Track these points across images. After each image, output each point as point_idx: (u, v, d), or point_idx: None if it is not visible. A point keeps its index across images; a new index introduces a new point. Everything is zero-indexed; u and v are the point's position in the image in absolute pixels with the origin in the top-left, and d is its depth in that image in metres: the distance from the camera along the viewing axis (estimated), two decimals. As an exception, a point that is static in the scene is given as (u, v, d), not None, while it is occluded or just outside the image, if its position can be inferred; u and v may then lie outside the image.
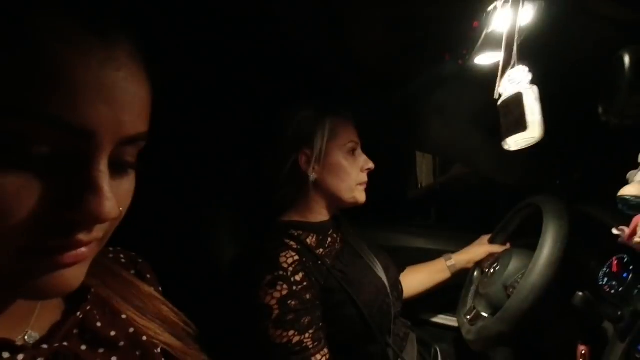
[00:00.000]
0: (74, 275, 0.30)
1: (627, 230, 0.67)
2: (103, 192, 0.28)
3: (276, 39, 0.79)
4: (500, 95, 0.64)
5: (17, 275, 0.28)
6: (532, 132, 0.59)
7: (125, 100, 0.29)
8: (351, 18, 0.67)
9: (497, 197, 1.31)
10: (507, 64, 0.55)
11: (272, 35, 0.77)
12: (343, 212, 1.00)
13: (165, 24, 0.66)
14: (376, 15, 0.65)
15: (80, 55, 0.26)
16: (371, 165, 0.92)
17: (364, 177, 0.91)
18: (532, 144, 0.64)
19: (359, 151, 0.92)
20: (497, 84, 0.60)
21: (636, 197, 0.67)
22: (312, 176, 0.86)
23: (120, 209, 0.31)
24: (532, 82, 0.61)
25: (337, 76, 0.92)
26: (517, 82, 0.58)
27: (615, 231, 0.72)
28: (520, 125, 0.59)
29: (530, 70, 0.61)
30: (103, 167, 0.28)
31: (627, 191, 0.70)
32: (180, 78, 0.87)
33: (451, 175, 1.49)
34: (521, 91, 0.58)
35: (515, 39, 0.55)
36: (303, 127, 0.86)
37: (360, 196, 0.91)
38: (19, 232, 0.26)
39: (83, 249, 0.29)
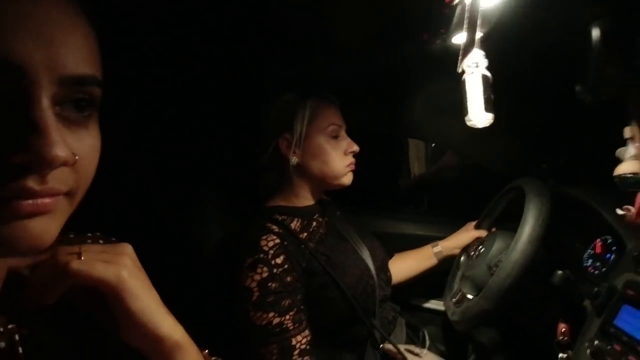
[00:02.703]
0: (40, 228, 0.30)
1: (632, 210, 0.65)
2: (47, 131, 0.28)
3: (259, 21, 0.79)
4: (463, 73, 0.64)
5: None
6: (473, 117, 0.61)
7: (59, 37, 0.29)
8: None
9: (487, 185, 1.31)
10: (469, 43, 0.55)
11: (254, 17, 0.77)
12: (332, 196, 1.00)
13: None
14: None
15: None
16: (355, 147, 0.91)
17: (349, 159, 0.91)
18: (490, 123, 0.65)
19: (342, 134, 0.91)
20: (458, 63, 0.60)
21: (634, 173, 0.66)
22: (293, 160, 0.86)
23: (77, 158, 0.31)
24: (506, 64, 0.62)
25: (316, 56, 0.92)
26: (469, 65, 0.59)
27: (619, 211, 0.69)
28: (465, 109, 0.60)
29: (506, 52, 0.61)
30: (44, 105, 0.28)
31: (623, 169, 0.68)
32: (163, 65, 0.88)
33: (441, 163, 1.49)
34: (465, 77, 0.59)
35: (478, 18, 0.54)
36: (283, 112, 0.86)
37: (346, 178, 0.91)
38: None
39: (44, 200, 0.29)
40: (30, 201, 0.28)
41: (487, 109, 0.59)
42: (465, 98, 0.60)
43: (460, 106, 0.64)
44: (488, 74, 0.59)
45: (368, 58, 0.91)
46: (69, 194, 0.32)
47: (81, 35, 0.31)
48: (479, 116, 0.60)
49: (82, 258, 0.37)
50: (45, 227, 0.30)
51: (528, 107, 1.01)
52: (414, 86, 1.04)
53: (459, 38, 0.73)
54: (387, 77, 1.03)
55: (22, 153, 0.27)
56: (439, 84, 1.01)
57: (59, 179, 0.30)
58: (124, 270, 0.38)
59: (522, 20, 0.66)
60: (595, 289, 0.70)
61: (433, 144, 1.57)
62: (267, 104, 0.88)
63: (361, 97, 1.11)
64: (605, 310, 0.68)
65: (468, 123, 0.63)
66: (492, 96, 0.60)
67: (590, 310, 0.73)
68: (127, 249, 0.41)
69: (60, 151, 0.28)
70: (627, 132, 0.63)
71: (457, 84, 0.66)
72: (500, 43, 0.62)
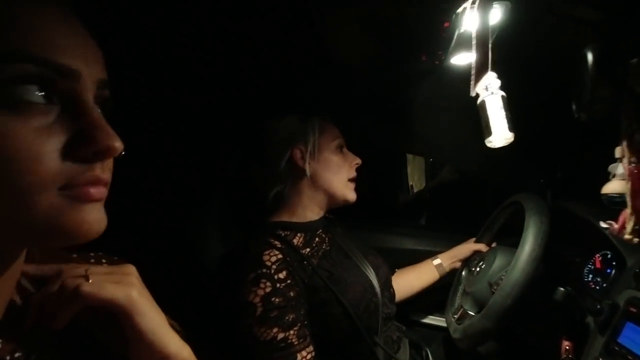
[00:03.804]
0: (100, 214, 0.34)
1: (615, 225, 0.68)
2: (105, 125, 0.33)
3: (259, 41, 0.81)
4: (478, 95, 0.66)
5: (57, 217, 0.31)
6: (495, 138, 0.62)
7: (87, 47, 0.34)
8: (328, 18, 0.69)
9: (486, 200, 1.32)
10: (481, 65, 0.57)
11: (256, 36, 0.79)
12: (334, 212, 1.01)
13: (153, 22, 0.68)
14: (351, 15, 0.67)
15: (45, 15, 0.32)
16: (358, 160, 0.96)
17: (353, 172, 0.95)
18: (509, 143, 0.67)
19: (345, 148, 0.96)
20: (471, 85, 0.62)
21: (620, 194, 0.69)
22: (308, 171, 0.89)
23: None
24: (506, 84, 0.64)
25: (314, 75, 0.95)
26: (484, 88, 0.61)
27: (603, 224, 0.73)
28: (487, 129, 0.62)
29: (504, 72, 0.63)
30: (95, 106, 0.34)
31: (610, 188, 0.72)
32: (172, 78, 0.89)
33: (440, 178, 1.51)
34: (484, 99, 0.61)
35: (490, 40, 0.57)
36: (294, 125, 0.90)
37: (351, 194, 0.94)
38: (55, 172, 0.30)
39: (103, 188, 0.34)
40: (96, 188, 0.33)
41: (510, 128, 0.62)
42: (486, 120, 0.62)
43: (457, 122, 0.65)
44: (503, 93, 0.61)
45: (367, 76, 0.93)
46: (107, 184, 0.36)
47: (99, 50, 0.37)
48: (501, 137, 0.62)
49: (91, 280, 0.38)
50: (101, 214, 0.34)
51: (525, 122, 1.02)
52: (413, 102, 1.06)
53: (458, 59, 0.75)
54: (386, 94, 1.05)
55: (90, 145, 0.32)
56: (438, 100, 1.03)
57: (109, 169, 0.35)
58: (133, 290, 0.39)
59: (520, 41, 0.68)
60: (598, 305, 0.71)
61: (431, 159, 1.59)
62: (275, 120, 0.91)
63: (361, 113, 1.12)
64: (608, 327, 0.68)
65: (488, 144, 0.65)
66: (509, 115, 0.62)
67: (593, 327, 0.73)
68: (132, 269, 0.42)
69: (118, 142, 0.33)
70: (618, 151, 0.65)
71: (456, 101, 0.68)
72: (498, 62, 0.64)
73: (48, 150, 0.30)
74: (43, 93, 0.30)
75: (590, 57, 0.54)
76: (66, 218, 0.31)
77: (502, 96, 0.64)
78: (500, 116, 0.63)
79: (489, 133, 0.64)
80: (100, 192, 0.34)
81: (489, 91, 0.63)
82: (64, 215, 0.31)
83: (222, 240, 0.98)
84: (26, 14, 0.30)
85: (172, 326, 0.46)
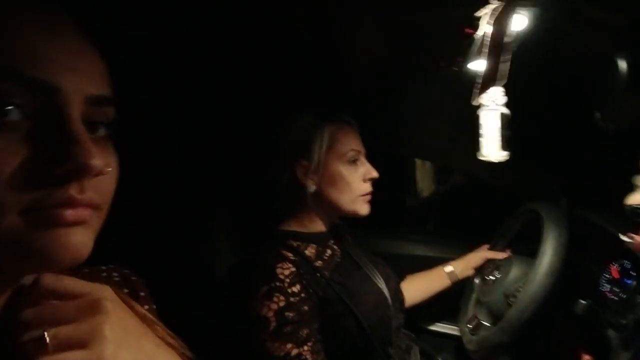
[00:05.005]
0: (79, 239, 0.31)
1: (637, 238, 0.65)
2: (84, 141, 0.30)
3: (274, 43, 0.79)
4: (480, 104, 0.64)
5: (23, 241, 0.29)
6: (487, 153, 0.60)
7: (82, 64, 0.32)
8: (346, 23, 0.67)
9: (497, 205, 1.30)
10: (489, 76, 0.54)
11: (271, 39, 0.77)
12: (343, 220, 0.98)
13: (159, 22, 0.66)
14: (369, 19, 0.65)
15: (33, 25, 0.30)
16: (374, 174, 0.87)
17: (367, 188, 0.87)
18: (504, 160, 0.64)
19: (361, 160, 0.87)
20: (474, 94, 0.60)
21: None
22: (311, 188, 0.84)
23: (109, 169, 0.33)
24: (525, 91, 0.61)
25: (333, 82, 0.92)
26: (488, 100, 0.58)
27: (623, 237, 0.70)
28: (481, 143, 0.60)
29: (522, 75, 0.61)
30: (78, 121, 0.31)
31: (635, 200, 0.69)
32: (180, 86, 0.88)
33: (450, 184, 1.49)
34: (482, 112, 0.59)
35: (507, 48, 0.54)
36: (301, 137, 0.84)
37: (362, 208, 0.87)
38: (17, 192, 0.28)
39: (82, 210, 0.31)
40: (71, 210, 0.30)
41: (504, 147, 0.59)
42: (480, 133, 0.60)
43: (468, 125, 0.63)
44: (507, 111, 0.58)
45: (379, 79, 0.90)
46: (98, 208, 0.33)
47: (97, 61, 0.35)
48: (493, 153, 0.60)
49: (49, 343, 0.29)
50: (84, 239, 0.31)
51: (540, 127, 1.00)
52: (424, 106, 1.04)
53: (475, 65, 0.73)
54: (399, 98, 1.03)
55: (64, 163, 0.29)
56: (449, 104, 1.01)
57: (94, 189, 0.32)
58: (105, 348, 0.30)
59: (540, 45, 0.65)
60: (623, 321, 0.68)
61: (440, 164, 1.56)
62: (284, 127, 0.86)
63: (372, 116, 1.10)
64: (632, 343, 0.66)
65: (481, 158, 0.63)
66: (508, 134, 0.59)
67: (615, 342, 0.71)
68: (103, 305, 0.32)
69: (97, 160, 0.30)
70: None
71: (467, 106, 0.66)
72: (516, 65, 0.62)
73: (8, 169, 0.28)
74: (10, 107, 0.28)
75: (621, 64, 0.52)
76: (34, 242, 0.29)
77: (503, 114, 0.61)
78: (495, 133, 0.61)
79: (480, 147, 0.62)
80: (78, 214, 0.31)
81: (492, 105, 0.61)
82: (30, 239, 0.29)
83: (231, 248, 0.95)
84: (2, 23, 0.29)
85: (168, 343, 0.42)
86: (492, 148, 0.60)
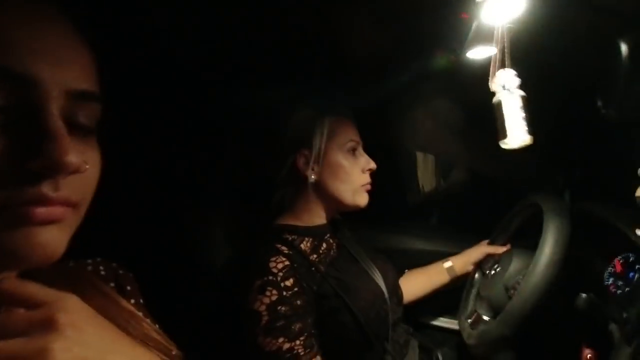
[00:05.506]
0: (52, 237, 0.30)
1: None
2: (60, 137, 0.29)
3: (270, 35, 0.77)
4: (494, 93, 0.62)
5: None
6: (511, 140, 0.58)
7: (65, 57, 0.31)
8: (340, 12, 0.65)
9: (499, 200, 1.28)
10: (499, 61, 0.53)
11: (266, 30, 0.76)
12: (345, 215, 0.97)
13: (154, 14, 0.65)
14: (364, 7, 0.64)
15: (14, 16, 0.29)
16: (373, 165, 0.88)
17: (366, 178, 0.87)
18: (527, 145, 0.63)
19: (359, 151, 0.88)
20: (490, 80, 0.58)
21: None
22: (312, 178, 0.83)
23: (87, 166, 0.32)
24: (526, 79, 0.59)
25: (328, 72, 0.90)
26: (501, 86, 0.57)
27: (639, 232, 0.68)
28: (502, 131, 0.58)
29: (522, 68, 0.59)
30: (55, 116, 0.30)
31: None
32: (176, 78, 0.87)
33: (453, 179, 1.47)
34: (500, 99, 0.57)
35: (505, 33, 0.52)
36: (301, 127, 0.84)
37: (362, 199, 0.87)
38: None
39: (57, 208, 0.30)
40: (44, 208, 0.29)
41: (529, 131, 0.57)
42: (502, 121, 0.58)
43: (471, 121, 0.61)
44: (523, 93, 0.57)
45: (380, 73, 0.89)
46: (76, 206, 0.32)
47: (84, 54, 0.34)
48: (518, 139, 0.58)
49: None
50: (57, 237, 0.31)
51: (542, 119, 0.98)
52: (425, 100, 1.02)
53: (474, 53, 0.71)
54: (398, 91, 1.01)
55: (37, 159, 0.28)
56: (451, 98, 0.99)
57: (70, 187, 0.31)
58: None
59: (540, 33, 0.63)
60: (625, 314, 0.67)
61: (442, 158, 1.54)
62: (283, 119, 0.86)
63: (371, 110, 1.08)
64: (634, 338, 0.64)
65: (503, 146, 0.61)
66: (529, 117, 0.57)
67: (618, 337, 0.69)
68: (57, 323, 0.27)
69: (73, 157, 0.29)
70: None
71: (469, 98, 0.64)
72: (517, 55, 0.60)
73: None
74: None
75: (624, 48, 0.50)
76: (4, 241, 0.28)
77: (522, 96, 0.59)
78: (519, 118, 0.59)
79: (504, 135, 0.60)
80: (50, 212, 0.30)
81: (507, 90, 0.59)
82: (0, 237, 0.28)
83: (227, 243, 0.95)
84: None
85: (153, 339, 0.41)
86: (518, 132, 0.58)
